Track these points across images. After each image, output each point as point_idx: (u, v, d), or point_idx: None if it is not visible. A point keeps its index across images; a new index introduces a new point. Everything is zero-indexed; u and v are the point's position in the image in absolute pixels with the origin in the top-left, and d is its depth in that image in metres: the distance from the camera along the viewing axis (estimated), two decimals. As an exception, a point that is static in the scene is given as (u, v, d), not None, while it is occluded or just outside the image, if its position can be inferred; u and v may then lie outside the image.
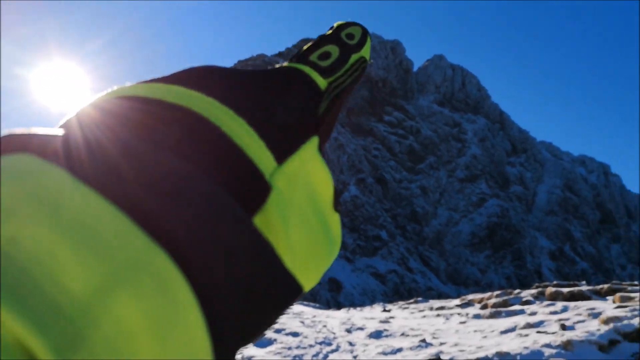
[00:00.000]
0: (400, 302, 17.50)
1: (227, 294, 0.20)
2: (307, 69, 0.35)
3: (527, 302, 12.43)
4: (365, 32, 0.40)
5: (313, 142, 0.30)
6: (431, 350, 8.46)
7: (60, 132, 0.22)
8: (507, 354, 7.68)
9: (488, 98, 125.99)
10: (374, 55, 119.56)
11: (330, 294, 67.20)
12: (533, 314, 10.95)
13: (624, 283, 13.47)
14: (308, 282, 0.28)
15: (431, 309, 14.32)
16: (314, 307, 16.33)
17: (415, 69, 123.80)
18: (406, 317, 13.29)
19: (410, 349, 8.80)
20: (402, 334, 10.26)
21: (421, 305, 15.20)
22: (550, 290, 12.84)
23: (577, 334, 8.29)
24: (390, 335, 10.31)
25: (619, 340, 8.10)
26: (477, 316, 11.87)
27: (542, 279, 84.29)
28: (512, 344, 8.29)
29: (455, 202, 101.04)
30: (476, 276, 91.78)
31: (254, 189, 0.25)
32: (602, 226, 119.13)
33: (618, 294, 11.15)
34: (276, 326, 9.50)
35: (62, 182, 0.18)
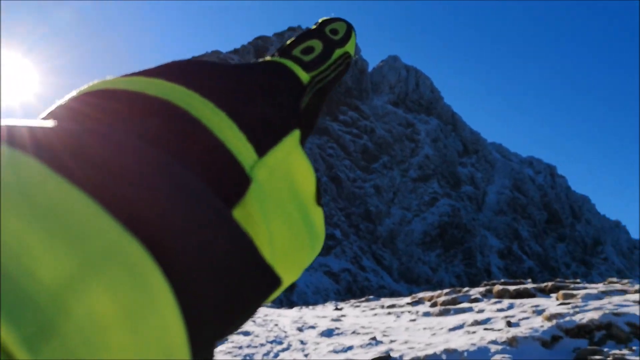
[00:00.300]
0: (353, 301, 17.59)
1: (204, 284, 0.19)
2: (289, 63, 0.35)
3: (475, 300, 12.66)
4: (350, 28, 0.40)
5: (294, 136, 0.30)
6: (381, 348, 8.54)
7: (36, 123, 0.21)
8: (455, 350, 7.81)
9: (441, 99, 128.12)
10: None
11: (283, 293, 66.81)
12: (481, 311, 11.16)
13: (567, 281, 13.90)
14: (288, 275, 0.28)
15: (382, 307, 14.44)
16: (266, 305, 16.24)
17: (370, 69, 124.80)
18: (358, 315, 13.36)
19: (361, 346, 8.86)
20: (353, 332, 10.31)
21: (373, 304, 15.32)
22: (497, 288, 13.13)
23: (521, 331, 8.50)
24: (341, 333, 10.35)
25: (561, 336, 8.35)
26: (427, 314, 12.03)
27: (491, 277, 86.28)
28: (460, 341, 8.44)
29: (408, 202, 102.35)
30: (428, 274, 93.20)
31: (234, 182, 0.25)
32: (549, 226, 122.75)
33: (561, 292, 11.50)
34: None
35: (35, 172, 0.18)
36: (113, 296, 0.16)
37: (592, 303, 9.99)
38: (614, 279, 13.67)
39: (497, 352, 7.71)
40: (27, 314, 0.14)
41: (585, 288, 12.03)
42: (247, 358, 7.88)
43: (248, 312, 0.22)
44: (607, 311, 8.82)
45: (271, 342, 9.16)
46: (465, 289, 14.37)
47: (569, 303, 10.34)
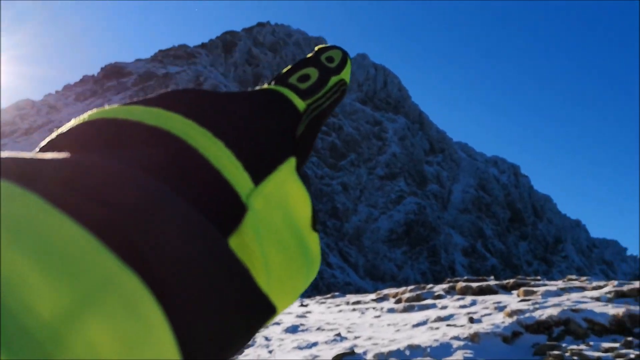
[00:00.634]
0: (318, 297, 17.60)
1: (200, 315, 0.20)
2: (285, 91, 0.35)
3: (439, 297, 12.80)
4: (345, 56, 0.40)
5: (290, 163, 0.30)
6: (346, 344, 8.56)
7: (35, 155, 0.21)
8: (418, 346, 7.89)
9: (408, 98, 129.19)
10: (299, 51, 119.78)
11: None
12: (444, 307, 11.29)
13: (528, 278, 14.17)
14: (284, 301, 0.29)
15: (347, 303, 14.48)
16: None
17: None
18: (323, 311, 13.38)
19: (326, 343, 8.88)
20: (318, 329, 10.32)
21: (338, 300, 15.36)
22: (460, 285, 13.30)
23: (483, 327, 8.63)
24: (306, 329, 10.35)
25: (521, 332, 8.50)
26: (391, 310, 12.11)
27: (455, 275, 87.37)
28: (423, 337, 8.53)
29: (375, 199, 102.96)
30: (393, 271, 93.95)
31: (230, 210, 0.25)
32: (512, 224, 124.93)
33: (522, 288, 11.71)
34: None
35: (33, 206, 0.18)
36: (110, 329, 0.16)
37: (551, 300, 10.21)
38: (573, 277, 13.99)
39: (459, 348, 7.81)
40: (26, 349, 0.14)
41: (545, 285, 12.28)
42: (211, 354, 7.82)
43: (243, 340, 0.22)
44: (565, 307, 9.02)
45: (235, 339, 9.08)
46: (429, 285, 14.51)
47: (529, 300, 10.54)
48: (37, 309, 0.15)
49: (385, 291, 15.36)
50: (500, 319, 9.11)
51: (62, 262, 0.16)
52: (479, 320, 9.42)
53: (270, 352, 8.50)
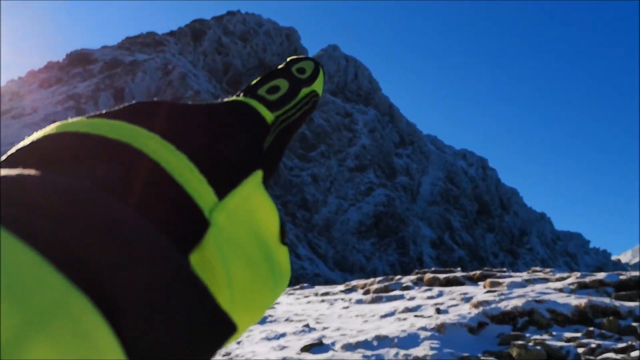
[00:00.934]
0: (287, 288, 17.56)
1: (154, 336, 0.19)
2: (253, 103, 0.35)
3: (407, 288, 12.91)
4: (317, 67, 0.40)
5: (257, 176, 0.30)
6: (314, 335, 8.59)
7: None
8: (386, 337, 7.95)
9: (379, 90, 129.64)
10: (269, 41, 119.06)
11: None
12: (412, 298, 11.39)
13: (494, 269, 14.40)
14: (250, 316, 0.28)
15: (316, 294, 14.52)
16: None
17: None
18: (291, 302, 13.38)
19: (294, 333, 8.88)
20: (287, 320, 10.33)
21: (307, 291, 15.38)
22: (428, 276, 13.44)
23: (450, 317, 8.74)
24: (274, 320, 10.34)
25: (487, 323, 8.64)
26: (359, 301, 12.17)
27: (423, 266, 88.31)
28: (391, 328, 8.59)
29: (344, 191, 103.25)
30: (362, 263, 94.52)
31: (192, 225, 0.25)
32: (479, 217, 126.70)
33: (488, 280, 11.90)
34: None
35: None
36: (58, 353, 0.15)
37: (516, 291, 10.39)
38: (538, 268, 14.27)
39: (426, 339, 7.89)
40: None
41: (510, 277, 12.49)
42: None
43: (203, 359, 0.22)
44: (530, 298, 9.19)
45: (203, 330, 9.03)
46: (398, 277, 14.63)
47: (495, 291, 10.71)
48: None
49: (354, 282, 15.44)
50: (467, 310, 9.24)
51: (9, 284, 0.16)
52: (445, 311, 9.54)
53: (238, 342, 8.48)
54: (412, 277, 14.13)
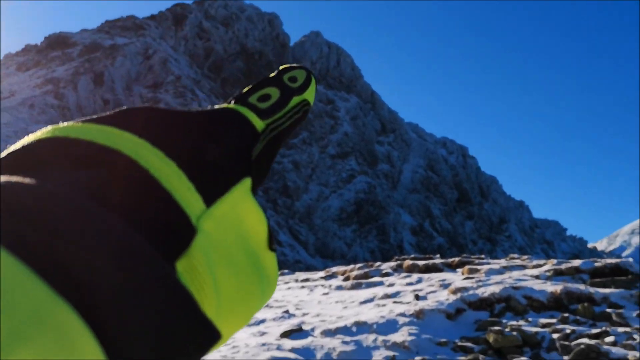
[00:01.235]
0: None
1: (138, 344, 0.19)
2: (244, 110, 0.35)
3: (387, 274, 13.00)
4: (309, 76, 0.40)
5: (245, 184, 0.30)
6: (294, 321, 8.62)
7: None
8: (365, 323, 8.01)
9: (361, 77, 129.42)
10: (251, 27, 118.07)
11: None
12: (391, 285, 11.48)
13: (472, 256, 14.55)
14: (237, 322, 0.29)
15: (296, 281, 14.56)
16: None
17: (291, 43, 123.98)
18: (272, 289, 13.39)
19: (274, 319, 8.90)
20: (266, 306, 10.33)
21: (287, 277, 15.40)
22: (407, 263, 13.54)
23: (428, 304, 8.83)
24: (254, 307, 10.35)
25: (464, 309, 8.75)
26: (339, 288, 12.23)
27: (403, 253, 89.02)
28: (370, 314, 8.66)
29: (326, 178, 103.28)
30: (343, 250, 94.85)
31: (179, 233, 0.25)
32: (459, 204, 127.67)
33: (467, 267, 12.02)
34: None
35: None
36: None
37: (494, 277, 10.52)
38: (515, 255, 14.43)
39: (404, 324, 7.97)
40: None
41: (488, 263, 12.64)
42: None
43: None
44: (507, 285, 9.32)
45: (183, 316, 9.01)
46: (377, 263, 14.72)
47: (473, 278, 10.83)
48: None
49: (334, 269, 15.50)
50: (445, 296, 9.34)
51: None
52: (424, 298, 9.63)
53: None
54: (392, 263, 14.23)
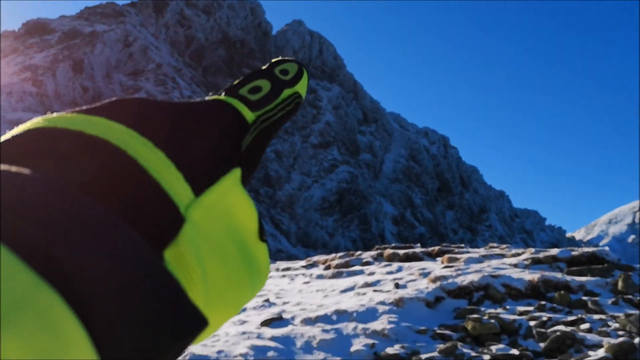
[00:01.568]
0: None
1: (124, 330, 0.19)
2: (234, 102, 0.35)
3: (367, 263, 13.06)
4: (301, 69, 0.40)
5: (235, 174, 0.30)
6: (274, 310, 8.63)
7: None
8: (345, 311, 8.05)
9: (343, 67, 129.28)
10: (233, 15, 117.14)
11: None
12: (371, 274, 11.52)
13: (452, 245, 14.66)
14: (226, 312, 0.29)
15: (277, 270, 14.56)
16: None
17: (274, 32, 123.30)
18: (253, 278, 13.39)
19: (254, 308, 8.91)
20: (247, 295, 10.33)
21: (268, 267, 15.39)
22: (388, 252, 13.61)
23: (408, 292, 8.90)
24: (235, 295, 10.34)
25: (443, 297, 8.83)
26: (320, 277, 12.26)
27: (385, 242, 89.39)
28: (350, 302, 8.70)
29: (308, 167, 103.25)
30: (325, 239, 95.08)
31: (167, 222, 0.25)
32: (440, 194, 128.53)
33: (446, 255, 12.12)
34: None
35: None
36: (24, 347, 0.16)
37: (473, 266, 10.62)
38: (494, 244, 14.57)
39: (384, 313, 8.02)
40: None
41: (468, 252, 12.75)
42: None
43: (172, 354, 0.22)
44: (485, 274, 9.41)
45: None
46: (358, 252, 14.76)
47: (452, 266, 10.92)
48: None
49: (315, 258, 15.53)
50: (424, 285, 9.41)
51: None
52: (404, 286, 9.69)
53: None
54: (373, 252, 14.28)
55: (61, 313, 0.17)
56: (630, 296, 8.08)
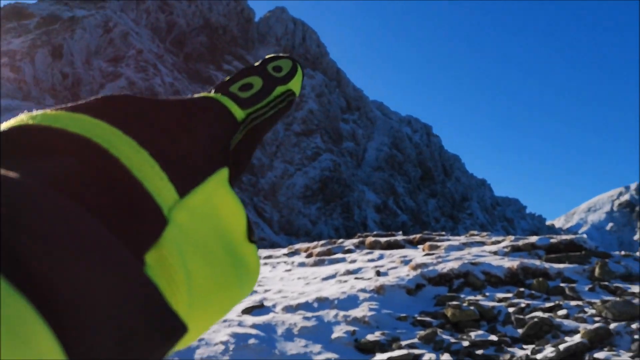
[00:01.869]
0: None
1: (98, 337, 0.18)
2: (223, 99, 0.34)
3: (349, 251, 13.10)
4: (295, 65, 0.40)
5: (222, 174, 0.30)
6: (255, 297, 8.63)
7: None
8: (326, 299, 8.08)
9: (327, 55, 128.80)
10: (215, 1, 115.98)
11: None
12: (353, 261, 11.58)
13: (434, 233, 14.77)
14: (212, 316, 0.28)
15: (259, 258, 14.54)
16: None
17: (256, 19, 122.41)
18: (234, 266, 13.37)
19: (236, 296, 8.91)
20: (229, 283, 10.32)
21: (250, 255, 15.38)
22: (370, 239, 13.66)
23: (389, 279, 8.95)
24: (216, 283, 10.32)
25: (424, 284, 8.90)
26: (302, 264, 12.28)
27: (367, 230, 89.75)
28: (332, 290, 8.74)
29: (291, 155, 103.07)
30: (307, 227, 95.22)
31: (149, 223, 0.24)
32: (422, 182, 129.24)
33: (427, 243, 12.21)
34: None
35: None
36: None
37: (453, 254, 10.71)
38: (475, 232, 14.70)
39: (365, 300, 8.07)
40: None
41: (449, 240, 12.85)
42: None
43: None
44: (465, 261, 9.50)
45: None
46: (340, 240, 14.82)
47: (433, 254, 11.01)
48: None
49: (297, 246, 15.54)
50: (405, 272, 9.47)
51: None
52: (385, 274, 9.75)
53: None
54: (354, 240, 14.34)
55: (32, 321, 0.17)
56: (606, 283, 8.21)
